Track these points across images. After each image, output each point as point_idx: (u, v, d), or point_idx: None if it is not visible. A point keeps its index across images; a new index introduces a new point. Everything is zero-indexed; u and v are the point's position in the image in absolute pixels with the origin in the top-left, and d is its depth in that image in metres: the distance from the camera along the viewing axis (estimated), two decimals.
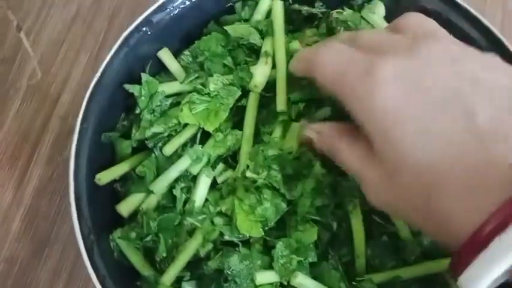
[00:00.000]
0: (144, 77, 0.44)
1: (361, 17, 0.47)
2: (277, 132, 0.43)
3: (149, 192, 0.42)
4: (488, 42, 0.45)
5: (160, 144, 0.43)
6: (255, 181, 0.40)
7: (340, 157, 0.34)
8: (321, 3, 0.49)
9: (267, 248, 0.40)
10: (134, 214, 0.43)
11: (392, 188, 0.30)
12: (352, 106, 0.32)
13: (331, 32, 0.47)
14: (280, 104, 0.42)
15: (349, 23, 0.45)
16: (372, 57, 0.32)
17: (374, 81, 0.30)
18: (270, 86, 0.44)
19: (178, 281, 0.41)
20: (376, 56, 0.31)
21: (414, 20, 0.35)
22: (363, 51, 0.34)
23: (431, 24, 0.35)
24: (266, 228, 0.39)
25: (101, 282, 0.37)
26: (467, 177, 0.27)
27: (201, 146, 0.42)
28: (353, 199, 0.40)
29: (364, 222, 0.39)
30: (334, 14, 0.46)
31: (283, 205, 0.40)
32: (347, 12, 0.46)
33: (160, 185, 0.41)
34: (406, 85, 0.29)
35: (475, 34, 0.45)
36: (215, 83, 0.43)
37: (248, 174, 0.40)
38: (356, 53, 0.33)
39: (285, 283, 0.38)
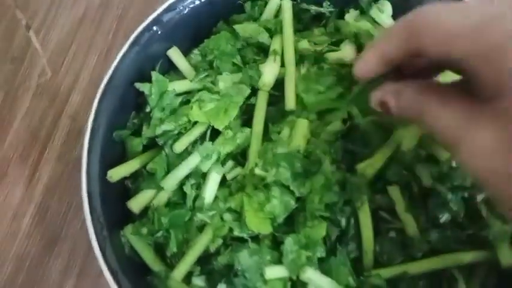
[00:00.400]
0: (154, 75, 0.44)
1: (370, 16, 0.47)
2: (286, 130, 0.43)
3: (160, 188, 0.42)
4: None
5: (170, 142, 0.43)
6: (263, 178, 0.40)
7: (432, 119, 0.30)
8: (329, 3, 0.49)
9: (276, 244, 0.40)
10: (145, 210, 0.43)
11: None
12: (487, 69, 0.28)
13: (338, 31, 0.47)
14: (289, 102, 0.43)
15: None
16: None
17: None
18: (279, 84, 0.44)
19: (188, 276, 0.41)
20: None
21: None
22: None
23: None
24: (275, 224, 0.40)
25: (114, 277, 0.38)
26: None
27: (211, 143, 0.43)
28: (361, 196, 0.40)
29: (372, 219, 0.40)
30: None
31: (292, 202, 0.40)
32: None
33: (171, 182, 0.42)
34: None
35: None
36: (225, 81, 0.44)
37: (257, 171, 0.40)
38: (491, 6, 0.29)
39: (294, 278, 0.39)
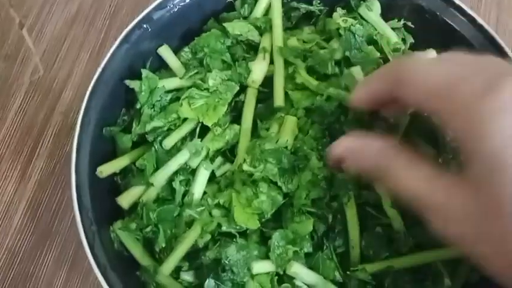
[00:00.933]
0: (144, 72, 0.45)
1: (359, 14, 0.48)
2: (275, 127, 0.43)
3: (149, 184, 0.43)
4: (483, 40, 0.46)
5: (160, 138, 0.44)
6: (251, 174, 0.41)
7: (396, 178, 0.30)
8: (319, 1, 0.49)
9: (264, 239, 0.41)
10: (134, 207, 0.43)
11: (482, 223, 0.26)
12: (458, 126, 0.28)
13: (328, 31, 0.48)
14: (278, 99, 0.43)
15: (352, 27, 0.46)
16: (488, 73, 0.27)
17: (498, 101, 0.26)
18: (268, 81, 0.45)
19: (177, 271, 0.42)
20: (492, 74, 0.27)
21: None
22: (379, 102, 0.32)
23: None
24: (263, 220, 0.40)
25: (102, 272, 0.38)
26: None
27: (200, 140, 0.43)
28: (348, 192, 0.40)
29: (358, 214, 0.40)
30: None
31: (279, 198, 0.41)
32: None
33: (160, 178, 0.42)
34: None
35: (469, 32, 0.46)
36: (214, 78, 0.44)
37: (245, 167, 0.41)
38: (464, 66, 0.29)
39: (281, 272, 0.39)
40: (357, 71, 0.43)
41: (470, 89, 0.27)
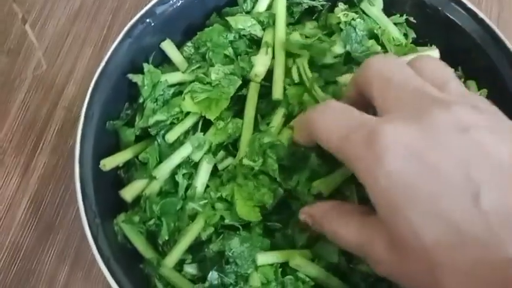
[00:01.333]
0: (147, 67, 0.45)
1: (361, 9, 0.48)
2: (275, 122, 0.44)
3: (152, 178, 0.43)
4: (483, 33, 0.46)
5: (163, 132, 0.44)
6: (252, 168, 0.41)
7: (337, 236, 0.34)
8: None
9: (267, 231, 0.41)
10: (137, 201, 0.44)
11: (399, 262, 0.29)
12: (357, 173, 0.30)
13: (330, 26, 0.48)
14: (277, 93, 0.44)
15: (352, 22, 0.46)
16: (374, 119, 0.30)
17: (378, 149, 0.28)
18: (270, 76, 0.45)
19: (180, 263, 0.42)
20: (379, 118, 0.30)
21: (430, 66, 0.34)
22: (363, 106, 0.33)
23: (446, 74, 0.33)
24: (265, 212, 0.41)
25: (106, 264, 0.38)
26: (473, 263, 0.26)
27: (202, 133, 0.44)
28: (350, 185, 0.41)
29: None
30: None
31: (280, 190, 0.41)
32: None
33: (163, 171, 0.42)
34: (412, 157, 0.28)
35: (470, 26, 0.47)
36: (217, 72, 0.44)
37: (245, 161, 0.41)
38: (356, 113, 0.32)
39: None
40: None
41: (356, 139, 0.30)
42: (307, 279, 0.39)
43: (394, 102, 0.31)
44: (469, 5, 0.46)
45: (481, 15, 0.46)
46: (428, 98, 0.30)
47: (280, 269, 0.40)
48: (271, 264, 0.39)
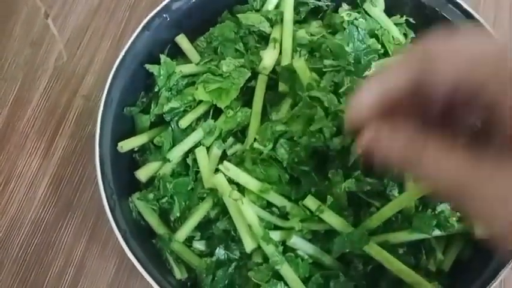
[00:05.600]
0: (163, 58, 0.48)
1: (363, 10, 0.51)
2: (283, 112, 0.47)
3: (165, 160, 0.46)
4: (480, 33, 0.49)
5: (176, 118, 0.47)
6: (261, 153, 0.44)
7: (431, 169, 0.27)
8: None
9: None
10: (151, 182, 0.47)
11: None
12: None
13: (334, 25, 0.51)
14: (282, 85, 0.47)
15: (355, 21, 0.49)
16: None
17: None
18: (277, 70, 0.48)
19: (190, 240, 0.45)
20: None
21: None
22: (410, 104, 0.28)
23: None
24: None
25: (122, 236, 0.42)
26: None
27: (213, 121, 0.47)
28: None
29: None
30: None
31: (286, 176, 0.44)
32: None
33: (176, 154, 0.46)
34: None
35: (467, 27, 0.49)
36: (228, 65, 0.48)
37: (256, 145, 0.44)
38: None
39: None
40: None
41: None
42: (306, 256, 0.43)
43: None
44: (465, 5, 0.49)
45: (477, 16, 0.49)
46: None
47: (282, 247, 0.43)
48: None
